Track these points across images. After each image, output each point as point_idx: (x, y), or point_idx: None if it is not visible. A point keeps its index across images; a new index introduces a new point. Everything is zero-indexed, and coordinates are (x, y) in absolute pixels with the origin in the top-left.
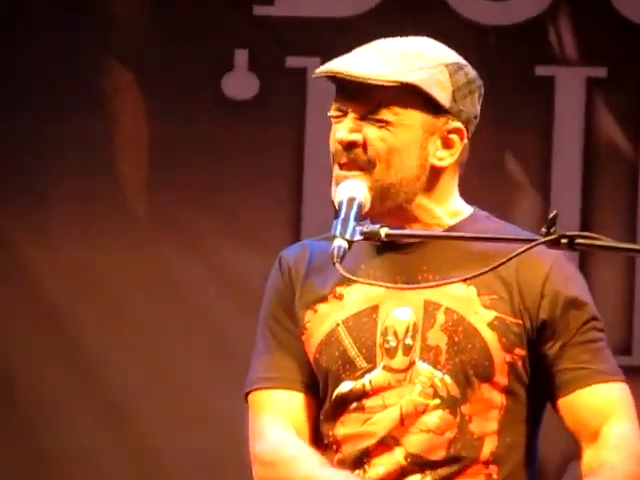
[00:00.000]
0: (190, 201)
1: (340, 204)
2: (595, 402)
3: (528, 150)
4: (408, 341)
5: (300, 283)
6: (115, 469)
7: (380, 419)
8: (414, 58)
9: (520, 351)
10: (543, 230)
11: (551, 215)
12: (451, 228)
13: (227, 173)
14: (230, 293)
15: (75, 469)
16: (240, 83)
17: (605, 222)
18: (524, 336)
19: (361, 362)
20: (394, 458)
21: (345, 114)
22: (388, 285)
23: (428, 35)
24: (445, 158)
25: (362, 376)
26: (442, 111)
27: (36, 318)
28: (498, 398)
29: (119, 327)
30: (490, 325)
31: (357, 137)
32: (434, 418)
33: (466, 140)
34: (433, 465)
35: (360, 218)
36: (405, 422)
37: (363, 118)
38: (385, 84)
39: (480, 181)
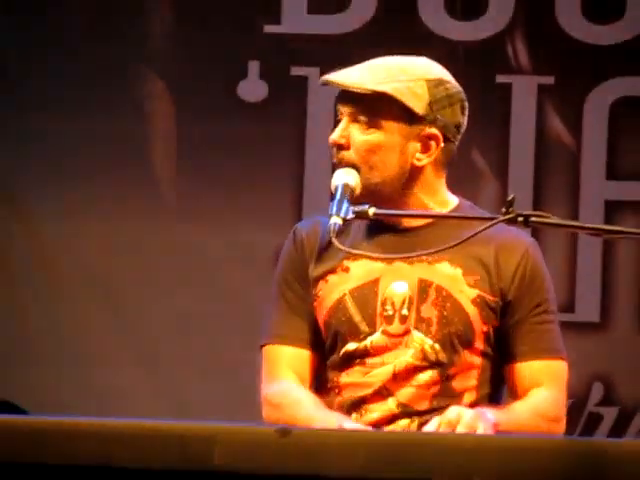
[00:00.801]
0: (213, 188)
1: (335, 188)
2: (530, 374)
3: (490, 145)
4: (404, 312)
5: (314, 255)
6: (151, 407)
7: (377, 374)
8: (396, 72)
9: (494, 322)
10: (503, 210)
11: (509, 198)
12: (443, 214)
13: (242, 163)
14: (245, 264)
15: (118, 405)
16: (252, 88)
17: (553, 203)
18: (498, 310)
19: (364, 327)
20: (387, 406)
21: (342, 116)
22: (381, 256)
23: (406, 48)
24: (423, 159)
25: (365, 338)
26: (417, 119)
27: (86, 285)
28: (477, 361)
29: (155, 291)
30: (473, 302)
31: (342, 139)
32: (423, 376)
33: (443, 144)
34: (419, 413)
35: (354, 201)
36: (397, 378)
37: (352, 120)
38: (363, 91)
39: (451, 172)
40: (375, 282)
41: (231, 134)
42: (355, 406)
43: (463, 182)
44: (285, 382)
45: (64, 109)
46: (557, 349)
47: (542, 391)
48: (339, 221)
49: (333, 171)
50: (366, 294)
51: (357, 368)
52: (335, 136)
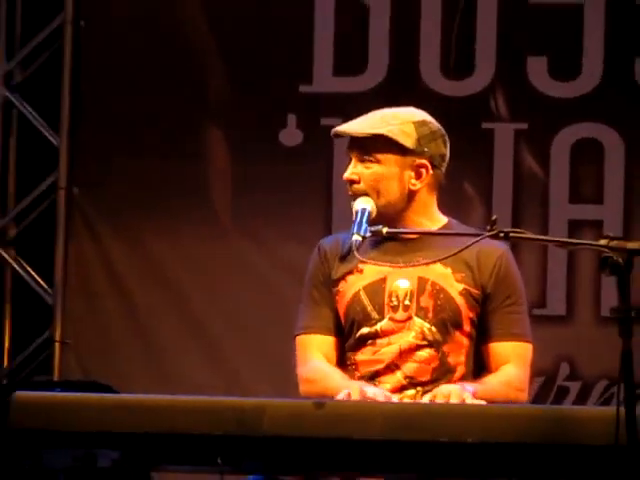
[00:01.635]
0: (260, 215)
1: (356, 212)
2: (501, 353)
3: (477, 177)
4: (407, 302)
5: (335, 261)
6: (211, 387)
7: (386, 352)
8: (389, 118)
9: (477, 310)
10: (488, 228)
11: (493, 218)
12: (440, 231)
13: (282, 195)
14: (285, 273)
15: (183, 385)
16: (290, 136)
17: (528, 221)
18: (480, 300)
19: (374, 315)
20: (396, 378)
21: (351, 159)
22: (384, 264)
23: (410, 101)
24: (417, 184)
25: (375, 324)
26: (409, 152)
27: (159, 291)
28: (465, 341)
29: (214, 295)
30: (460, 293)
31: (354, 176)
32: (424, 353)
33: (432, 171)
34: (422, 384)
35: (371, 222)
36: (402, 355)
37: (359, 161)
38: (364, 135)
39: (446, 198)
40: (383, 280)
41: (274, 171)
42: (370, 380)
43: (456, 206)
44: (315, 362)
45: (145, 154)
46: (524, 334)
47: (510, 367)
48: (359, 238)
49: (352, 200)
50: (376, 289)
51: (369, 348)
52: (347, 174)
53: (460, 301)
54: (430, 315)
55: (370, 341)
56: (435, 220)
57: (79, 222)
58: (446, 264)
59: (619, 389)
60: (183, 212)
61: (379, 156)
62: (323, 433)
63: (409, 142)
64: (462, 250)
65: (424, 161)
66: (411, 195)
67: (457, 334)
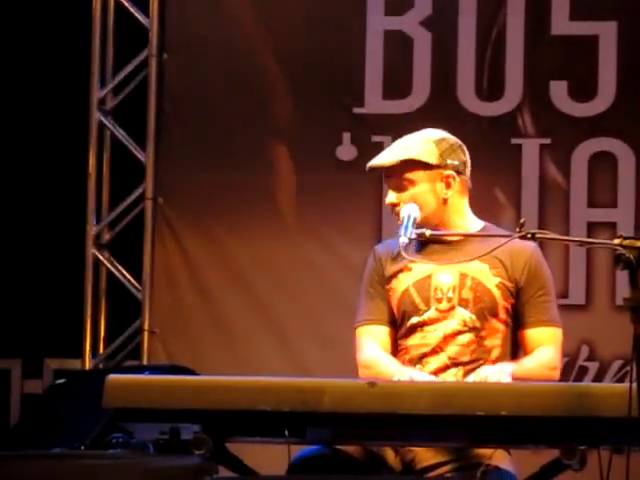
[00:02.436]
0: (321, 219)
1: (403, 218)
2: (535, 337)
3: (507, 186)
4: (450, 295)
5: (388, 262)
6: (275, 365)
7: (432, 337)
8: (410, 143)
9: (511, 300)
10: (517, 229)
11: (521, 221)
12: (477, 234)
13: (340, 203)
14: (344, 270)
15: (254, 367)
16: (346, 151)
17: (552, 223)
18: (513, 292)
19: (422, 306)
20: (440, 359)
21: (389, 185)
22: (430, 262)
23: (449, 121)
24: (449, 193)
25: (423, 314)
26: (434, 167)
27: (232, 285)
28: (500, 327)
29: (281, 288)
30: (496, 286)
31: (394, 200)
32: (464, 338)
33: (458, 178)
34: (463, 364)
35: (416, 226)
36: (446, 339)
37: (395, 186)
38: (394, 164)
39: (481, 204)
40: (429, 276)
41: (332, 182)
42: (418, 361)
43: (489, 211)
44: (372, 350)
45: (220, 167)
46: (554, 320)
47: (543, 349)
48: (406, 240)
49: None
50: (423, 284)
51: (418, 334)
52: (389, 200)
53: (496, 293)
54: (470, 305)
55: (419, 328)
56: (472, 222)
57: (163, 227)
58: (483, 261)
59: (632, 368)
60: (254, 216)
61: (411, 177)
62: (375, 409)
63: (433, 159)
64: (496, 249)
65: (450, 172)
66: (445, 202)
67: (493, 321)
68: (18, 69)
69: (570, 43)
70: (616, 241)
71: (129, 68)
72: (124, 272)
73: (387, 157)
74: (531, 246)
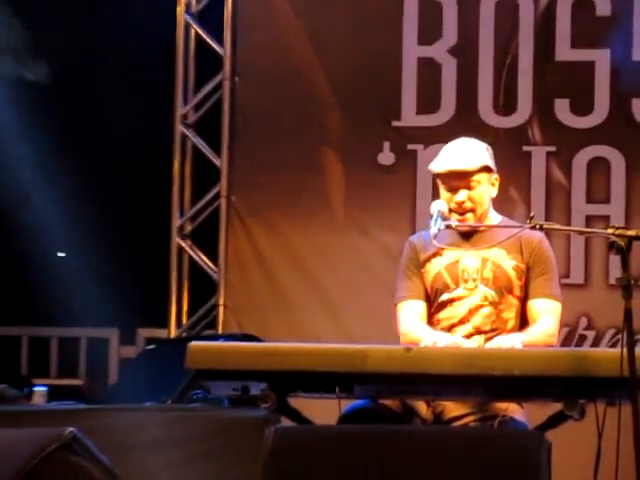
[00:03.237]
0: (365, 214)
1: (433, 212)
2: (537, 307)
3: (519, 186)
4: (474, 276)
5: (422, 252)
6: (328, 334)
7: (459, 311)
8: (477, 151)
9: (524, 279)
10: (527, 222)
11: (531, 215)
12: (495, 225)
13: (381, 200)
14: (385, 257)
15: (310, 337)
16: (386, 158)
17: (556, 216)
18: (525, 272)
19: (452, 285)
20: (467, 329)
21: (458, 188)
22: (458, 249)
23: (472, 132)
24: (493, 194)
25: (452, 292)
26: (491, 171)
27: (293, 270)
28: (515, 302)
29: (332, 273)
30: (512, 268)
31: (464, 198)
32: (486, 311)
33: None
34: (485, 332)
35: (444, 218)
36: (471, 312)
37: (464, 186)
38: (475, 169)
39: (498, 201)
40: (457, 261)
41: (374, 182)
42: (448, 330)
43: (504, 207)
44: (411, 320)
45: (283, 169)
46: (554, 294)
47: (545, 318)
48: (436, 230)
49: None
50: (452, 267)
51: (448, 308)
52: (460, 199)
53: (512, 274)
54: (491, 284)
55: (448, 304)
56: (494, 216)
57: (235, 220)
58: (501, 247)
59: (623, 336)
60: (309, 210)
61: (479, 179)
62: (410, 370)
63: (492, 164)
64: (510, 237)
65: (496, 175)
66: (491, 200)
67: (509, 297)
68: (115, 95)
69: (571, 67)
70: (610, 231)
71: (207, 89)
72: (203, 257)
73: (464, 162)
74: (539, 235)
